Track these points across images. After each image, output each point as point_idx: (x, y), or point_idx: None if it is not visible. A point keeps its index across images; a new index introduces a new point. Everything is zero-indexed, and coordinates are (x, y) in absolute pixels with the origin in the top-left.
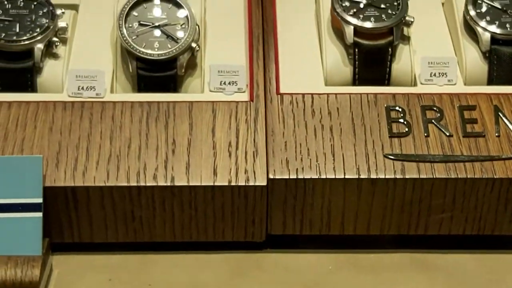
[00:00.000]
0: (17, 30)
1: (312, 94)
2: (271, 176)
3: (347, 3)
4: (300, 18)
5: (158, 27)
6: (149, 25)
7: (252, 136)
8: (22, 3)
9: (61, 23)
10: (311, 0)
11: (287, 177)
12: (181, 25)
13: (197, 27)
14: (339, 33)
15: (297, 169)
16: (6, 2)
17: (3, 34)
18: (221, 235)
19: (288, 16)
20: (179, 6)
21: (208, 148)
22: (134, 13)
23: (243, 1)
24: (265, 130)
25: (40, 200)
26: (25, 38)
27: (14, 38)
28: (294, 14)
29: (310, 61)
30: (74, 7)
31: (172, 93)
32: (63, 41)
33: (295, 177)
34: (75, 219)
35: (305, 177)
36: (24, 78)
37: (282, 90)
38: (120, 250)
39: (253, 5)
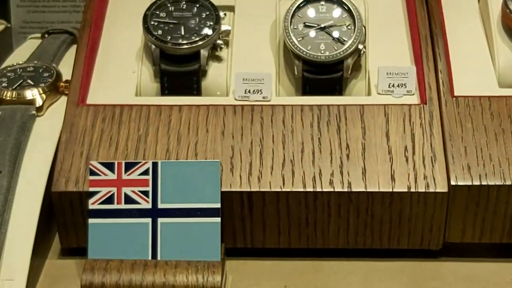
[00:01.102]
0: (182, 33)
1: (488, 96)
2: (453, 183)
3: None
4: (465, 16)
5: (323, 28)
6: (314, 26)
7: (428, 140)
8: (185, 5)
9: (224, 26)
10: (474, 2)
11: (470, 183)
12: (347, 26)
13: (363, 28)
14: (511, 32)
15: (480, 175)
16: (169, 5)
17: (169, 37)
18: (396, 242)
19: (453, 14)
20: (344, 6)
21: (383, 153)
22: (299, 14)
23: (401, 2)
24: (441, 134)
25: (218, 205)
26: (191, 41)
27: (180, 41)
28: (458, 12)
29: (481, 61)
30: (230, 9)
31: (340, 96)
32: (226, 44)
33: (478, 183)
34: (248, 224)
35: (489, 184)
36: (191, 81)
37: (456, 93)
38: (290, 256)
39: (418, 4)
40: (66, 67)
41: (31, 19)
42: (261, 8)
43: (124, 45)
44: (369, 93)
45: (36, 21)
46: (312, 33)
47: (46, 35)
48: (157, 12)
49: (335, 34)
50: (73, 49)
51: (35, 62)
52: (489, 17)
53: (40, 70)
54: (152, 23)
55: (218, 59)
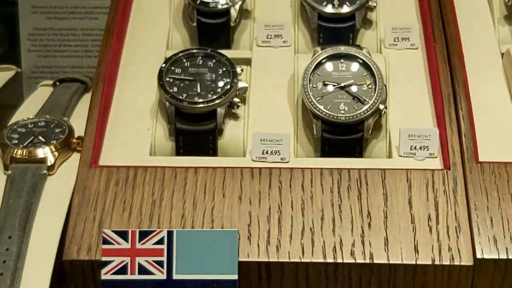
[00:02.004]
0: (198, 90)
1: None
2: (478, 256)
3: None
4: (488, 74)
5: (343, 87)
6: (334, 85)
7: (452, 209)
8: (201, 60)
9: (241, 83)
10: (496, 54)
11: (496, 257)
12: (367, 85)
13: (384, 87)
14: None
15: (506, 248)
16: (184, 60)
17: (185, 95)
18: None
19: (476, 72)
20: (364, 64)
21: (406, 222)
22: (318, 72)
23: (422, 57)
24: (466, 202)
25: (235, 277)
26: (207, 99)
27: (196, 99)
28: (482, 70)
29: (506, 123)
30: (247, 61)
31: (360, 159)
32: (243, 100)
33: (505, 257)
34: None
35: None
36: (206, 140)
37: (481, 158)
38: None
39: (440, 62)
40: (77, 119)
41: (42, 63)
42: (279, 61)
43: (138, 100)
44: (390, 155)
45: (47, 65)
46: (332, 92)
47: (58, 83)
48: (173, 68)
49: (356, 93)
50: (85, 98)
51: (47, 116)
52: None
53: (52, 126)
54: (167, 79)
55: (235, 116)
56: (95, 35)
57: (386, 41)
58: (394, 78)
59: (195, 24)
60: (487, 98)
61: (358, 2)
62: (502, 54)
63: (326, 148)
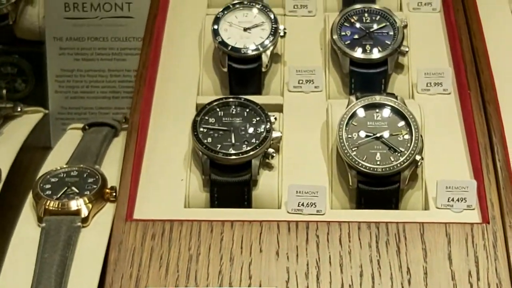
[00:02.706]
0: (233, 141)
1: None
2: None
3: None
4: None
5: (379, 138)
6: (370, 135)
7: (493, 265)
8: (235, 110)
9: (275, 133)
10: None
11: None
12: (403, 136)
13: (420, 137)
14: None
15: None
16: (218, 109)
17: (219, 146)
18: None
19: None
20: (400, 114)
21: (446, 279)
22: (353, 122)
23: (455, 103)
24: (506, 258)
25: None
26: (242, 151)
27: (231, 150)
28: None
29: None
30: (278, 107)
31: (398, 211)
32: (277, 150)
33: None
34: None
35: None
36: (241, 192)
37: None
38: None
39: (475, 111)
40: (109, 167)
41: (69, 105)
42: (311, 107)
43: (171, 149)
44: (426, 206)
45: (75, 107)
46: (368, 142)
47: (87, 127)
48: (206, 118)
49: (392, 143)
50: (115, 142)
51: (80, 166)
52: None
53: (85, 175)
54: (201, 129)
55: (269, 166)
56: (122, 76)
57: (419, 86)
58: (428, 125)
59: (226, 69)
60: None
61: (390, 47)
62: None
63: (362, 199)
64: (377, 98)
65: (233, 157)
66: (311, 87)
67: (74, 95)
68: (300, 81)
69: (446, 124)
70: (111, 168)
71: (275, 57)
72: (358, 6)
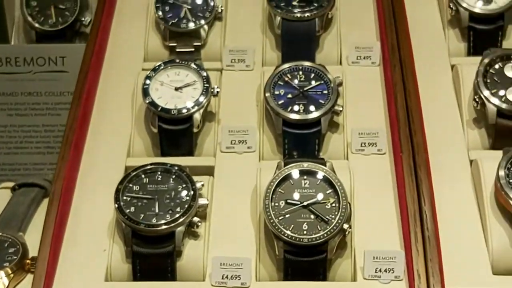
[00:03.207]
0: (157, 210)
1: None
2: None
3: None
4: (457, 187)
5: (306, 206)
6: (297, 204)
7: None
8: (160, 176)
9: (201, 200)
10: (465, 164)
11: None
12: (331, 204)
13: (348, 206)
14: (506, 212)
15: None
16: (143, 176)
17: (142, 216)
18: None
19: (444, 185)
20: (328, 181)
21: None
22: (280, 190)
23: (389, 164)
24: None
25: None
26: (166, 221)
27: (154, 221)
28: (450, 183)
29: (474, 245)
30: (210, 170)
31: (326, 282)
32: (203, 218)
33: None
34: None
35: None
36: (164, 263)
37: (447, 285)
38: None
39: (406, 176)
40: (35, 232)
41: (2, 161)
42: (242, 169)
43: (95, 217)
44: (354, 277)
45: (8, 163)
46: (294, 211)
47: (17, 187)
48: (131, 185)
49: (319, 212)
50: (44, 204)
51: (1, 234)
52: (482, 191)
53: (6, 245)
54: (125, 197)
55: (195, 235)
56: (57, 131)
57: (353, 146)
58: (359, 189)
59: (156, 130)
60: (454, 215)
61: (324, 107)
62: (471, 162)
63: (289, 270)
64: (305, 165)
65: (156, 228)
66: (244, 148)
67: (7, 150)
68: (233, 141)
69: (379, 188)
70: (37, 233)
71: (209, 116)
72: (291, 64)
